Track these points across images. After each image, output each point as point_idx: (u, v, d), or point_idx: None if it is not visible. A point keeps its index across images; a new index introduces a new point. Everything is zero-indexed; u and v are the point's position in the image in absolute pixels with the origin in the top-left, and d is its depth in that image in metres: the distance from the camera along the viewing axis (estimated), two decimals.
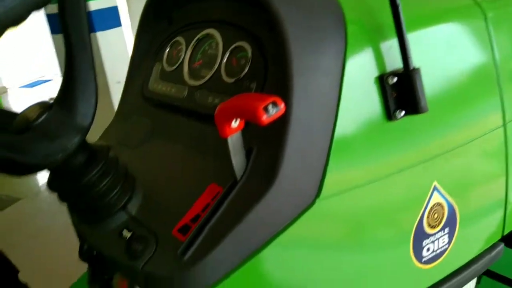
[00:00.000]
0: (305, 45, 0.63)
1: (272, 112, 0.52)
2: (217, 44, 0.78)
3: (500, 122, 0.85)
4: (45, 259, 2.39)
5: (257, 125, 0.55)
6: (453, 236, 0.81)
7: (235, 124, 0.58)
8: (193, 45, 0.83)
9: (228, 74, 0.74)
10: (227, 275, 0.60)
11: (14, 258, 1.28)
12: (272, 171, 0.60)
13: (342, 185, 0.66)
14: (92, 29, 3.10)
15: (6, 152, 0.55)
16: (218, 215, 0.61)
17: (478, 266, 0.88)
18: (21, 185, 3.48)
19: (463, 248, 0.85)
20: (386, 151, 0.70)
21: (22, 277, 1.31)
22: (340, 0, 0.69)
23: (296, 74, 0.62)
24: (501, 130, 0.85)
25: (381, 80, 0.68)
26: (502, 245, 0.94)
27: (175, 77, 0.84)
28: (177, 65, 0.85)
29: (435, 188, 0.76)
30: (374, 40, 0.69)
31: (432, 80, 0.73)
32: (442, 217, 0.78)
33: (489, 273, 1.36)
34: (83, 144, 0.63)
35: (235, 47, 0.74)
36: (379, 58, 0.68)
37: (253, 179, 0.62)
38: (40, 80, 6.87)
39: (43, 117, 0.59)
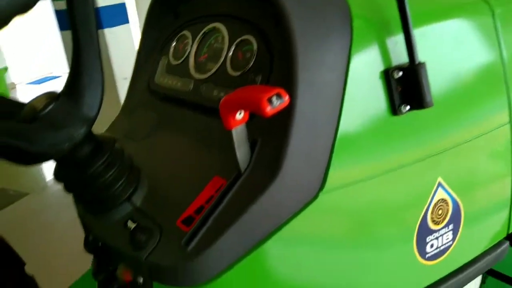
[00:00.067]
0: (310, 39, 0.63)
1: (276, 103, 0.52)
2: (223, 37, 0.79)
3: (506, 119, 0.85)
4: (51, 253, 2.41)
5: (262, 117, 0.55)
6: (457, 233, 0.81)
7: (239, 116, 0.59)
8: (199, 39, 0.83)
9: (234, 67, 0.74)
10: (230, 266, 0.60)
11: (21, 251, 1.29)
12: (276, 164, 0.61)
13: (345, 179, 0.66)
14: (100, 26, 3.11)
15: (14, 140, 0.56)
16: (222, 206, 0.61)
17: (483, 264, 0.88)
18: (28, 180, 3.50)
19: (467, 245, 0.85)
20: (390, 146, 0.70)
21: (28, 269, 1.32)
22: None
23: (301, 67, 0.62)
24: (507, 127, 0.85)
25: (387, 74, 0.68)
26: (507, 244, 0.93)
27: (181, 70, 0.84)
28: (183, 58, 0.85)
29: (439, 184, 0.75)
30: (379, 35, 0.69)
31: (438, 76, 0.73)
32: (447, 213, 0.78)
33: (494, 274, 1.36)
34: (89, 135, 0.64)
35: (241, 41, 0.75)
36: (384, 52, 0.68)
37: (257, 171, 0.62)
38: (48, 77, 6.92)
39: (50, 107, 0.60)
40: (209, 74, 0.78)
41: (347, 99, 0.65)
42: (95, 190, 0.67)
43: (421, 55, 0.68)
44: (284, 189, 0.61)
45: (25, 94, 6.25)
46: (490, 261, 0.90)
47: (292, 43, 0.62)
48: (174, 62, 0.87)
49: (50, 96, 0.62)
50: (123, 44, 3.29)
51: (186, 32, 0.87)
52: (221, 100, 0.58)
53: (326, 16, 0.66)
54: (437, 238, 0.78)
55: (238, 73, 0.73)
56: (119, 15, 3.29)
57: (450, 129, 0.77)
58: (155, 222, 0.66)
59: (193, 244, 0.60)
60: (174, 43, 0.89)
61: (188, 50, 0.85)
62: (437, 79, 0.72)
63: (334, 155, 0.64)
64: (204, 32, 0.83)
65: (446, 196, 0.77)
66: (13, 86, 6.51)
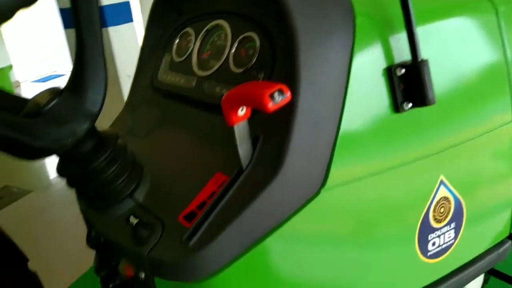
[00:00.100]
0: (313, 36, 0.63)
1: (278, 99, 0.53)
2: (226, 35, 0.79)
3: (509, 118, 0.84)
4: (53, 250, 2.42)
5: (264, 113, 0.55)
6: (459, 231, 0.81)
7: (241, 112, 0.59)
8: (202, 36, 0.84)
9: (236, 64, 0.74)
10: (231, 261, 0.60)
11: (24, 248, 1.30)
12: (278, 160, 0.61)
13: (347, 176, 0.66)
14: (104, 24, 3.12)
15: (17, 134, 0.56)
16: (224, 202, 0.61)
17: (485, 263, 0.88)
18: (32, 178, 3.52)
19: (469, 244, 0.85)
20: (392, 143, 0.70)
21: (31, 266, 1.32)
22: None
23: (304, 64, 0.62)
24: (510, 125, 0.84)
25: (389, 72, 0.68)
26: (509, 243, 0.93)
27: (184, 67, 0.85)
28: (186, 56, 0.85)
29: (441, 182, 0.75)
30: (382, 32, 0.69)
31: (441, 74, 0.73)
32: (449, 211, 0.78)
33: (497, 274, 1.35)
34: (92, 131, 0.64)
35: (244, 38, 0.75)
36: (387, 50, 0.68)
37: (259, 168, 0.62)
38: (52, 75, 6.94)
39: (53, 102, 0.60)
40: (211, 71, 0.78)
41: (349, 96, 0.65)
42: (98, 185, 0.67)
43: (424, 53, 0.68)
44: (286, 185, 0.61)
45: (29, 92, 6.28)
46: (492, 260, 0.89)
47: (295, 40, 0.62)
48: (177, 59, 0.87)
49: (54, 92, 0.62)
50: (127, 42, 3.30)
51: (189, 29, 0.88)
52: (223, 96, 0.58)
53: (329, 14, 0.66)
54: (439, 236, 0.78)
55: (240, 70, 0.73)
56: (123, 14, 3.30)
57: (453, 127, 0.77)
58: (157, 218, 0.66)
59: (194, 239, 0.60)
60: (177, 40, 0.89)
61: (191, 47, 0.85)
62: (440, 77, 0.72)
63: (336, 151, 0.64)
64: (207, 29, 0.83)
65: (448, 194, 0.77)
66: (17, 84, 6.54)
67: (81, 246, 0.86)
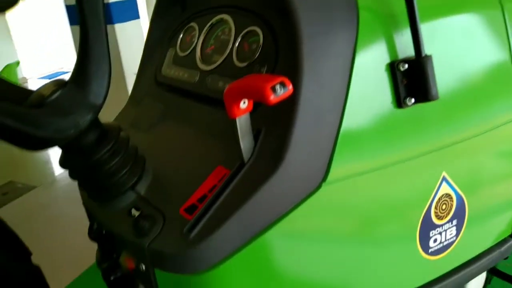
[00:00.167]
0: (316, 30, 0.63)
1: (280, 92, 0.53)
2: (229, 29, 0.79)
3: None
4: (57, 246, 2.43)
5: (266, 107, 0.55)
6: (461, 228, 0.81)
7: (243, 105, 0.59)
8: (206, 30, 0.84)
9: (240, 58, 0.74)
10: (231, 254, 0.60)
11: (28, 243, 1.31)
12: (280, 153, 0.61)
13: (349, 170, 0.66)
14: (111, 21, 3.13)
15: (20, 124, 0.56)
16: (225, 195, 0.62)
17: (487, 261, 0.88)
18: (37, 173, 3.54)
19: (471, 241, 0.84)
20: (395, 139, 0.70)
21: (34, 261, 1.33)
22: None
23: (307, 58, 0.62)
24: None
25: (392, 67, 0.67)
26: None
27: (187, 62, 0.85)
28: (189, 50, 0.86)
29: (444, 179, 0.75)
30: (386, 27, 0.69)
31: (445, 70, 0.73)
32: (451, 208, 0.78)
33: (500, 274, 1.34)
34: (95, 122, 0.65)
35: (247, 32, 0.75)
36: (390, 45, 0.68)
37: (260, 161, 0.62)
38: (59, 72, 6.97)
39: (57, 93, 0.61)
40: (215, 65, 0.78)
41: (352, 90, 0.64)
42: (100, 177, 0.67)
43: (429, 49, 0.68)
44: (287, 179, 0.61)
45: (36, 88, 6.30)
46: (495, 258, 0.89)
47: (298, 34, 0.62)
48: (181, 54, 0.88)
49: (58, 84, 0.63)
50: (133, 40, 3.31)
51: (193, 24, 0.88)
52: (225, 89, 0.58)
53: (332, 8, 0.66)
54: (440, 233, 0.78)
55: (244, 64, 0.73)
56: (129, 11, 3.31)
57: (456, 124, 0.76)
58: (158, 210, 0.66)
59: (195, 231, 0.60)
60: (181, 35, 0.90)
61: (195, 42, 0.85)
62: (444, 73, 0.72)
63: (337, 146, 0.64)
64: (211, 23, 0.83)
65: (450, 191, 0.77)
66: (24, 80, 6.58)
67: (84, 243, 0.86)
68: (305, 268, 0.68)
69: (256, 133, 0.64)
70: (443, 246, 0.79)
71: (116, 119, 0.94)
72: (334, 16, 0.66)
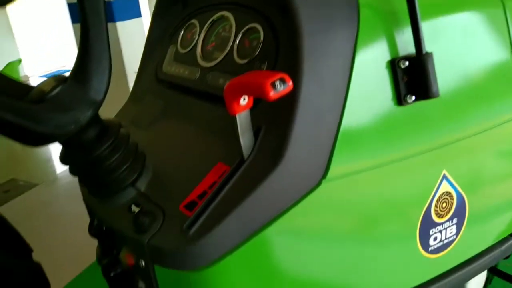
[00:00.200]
0: (316, 28, 0.63)
1: (279, 88, 0.53)
2: (230, 26, 0.79)
3: None
4: (58, 244, 2.43)
5: (266, 104, 0.55)
6: (461, 227, 0.81)
7: (243, 102, 0.59)
8: (207, 27, 0.84)
9: (240, 55, 0.74)
10: (231, 250, 0.60)
11: (29, 241, 1.31)
12: (280, 150, 0.61)
13: (349, 168, 0.66)
14: (112, 19, 3.13)
15: (21, 120, 0.57)
16: (224, 192, 0.62)
17: (487, 260, 0.87)
18: (39, 171, 3.54)
19: (472, 240, 0.84)
20: (395, 137, 0.70)
21: (35, 257, 1.33)
22: None
23: (307, 55, 0.62)
24: None
25: (393, 64, 0.67)
26: None
27: (188, 59, 0.85)
28: (190, 47, 0.86)
29: (444, 177, 0.75)
30: (387, 25, 0.68)
31: (446, 68, 0.72)
32: (451, 207, 0.78)
33: (501, 274, 1.34)
34: (95, 119, 0.65)
35: (248, 29, 0.75)
36: (391, 42, 0.68)
37: (260, 158, 0.62)
38: (60, 70, 6.98)
39: (57, 89, 0.61)
40: (215, 62, 0.78)
41: (352, 88, 0.64)
42: (100, 173, 0.67)
43: (430, 47, 0.68)
44: (287, 176, 0.61)
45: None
46: (495, 257, 0.89)
47: (298, 30, 0.62)
48: (182, 51, 0.88)
49: (58, 79, 0.63)
50: (135, 38, 3.31)
51: (194, 21, 0.88)
52: (226, 85, 0.58)
53: (333, 5, 0.66)
54: (440, 231, 0.78)
55: (244, 61, 0.73)
56: (131, 9, 3.31)
57: (457, 122, 0.76)
58: (158, 207, 0.66)
59: (194, 228, 0.60)
60: (182, 32, 0.90)
61: (196, 39, 0.85)
62: (445, 71, 0.72)
63: (337, 143, 0.64)
64: (212, 20, 0.83)
65: (450, 189, 0.76)
66: (26, 78, 6.59)
67: (85, 241, 0.86)
68: (304, 265, 0.68)
69: (256, 130, 0.64)
70: (443, 245, 0.79)
71: (117, 115, 0.95)
72: (335, 13, 0.66)
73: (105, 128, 0.67)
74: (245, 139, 0.63)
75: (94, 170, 0.67)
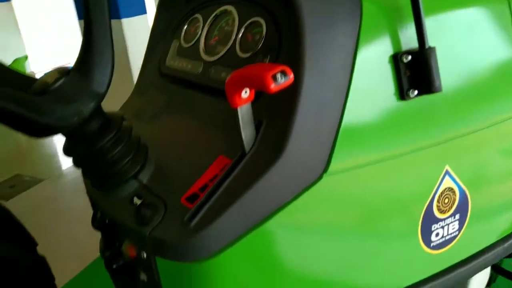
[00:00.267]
0: (319, 22, 0.63)
1: (280, 80, 0.53)
2: (233, 20, 0.79)
3: None
4: (62, 240, 2.45)
5: (268, 98, 0.55)
6: (464, 223, 0.80)
7: (245, 95, 0.59)
8: (210, 21, 0.84)
9: (243, 49, 0.74)
10: (231, 243, 0.61)
11: (34, 236, 1.32)
12: (281, 144, 0.61)
13: (350, 162, 0.66)
14: (118, 16, 3.14)
15: (24, 111, 0.57)
16: (225, 185, 0.62)
17: (490, 256, 0.87)
18: (44, 167, 3.56)
19: (474, 236, 0.84)
20: (397, 131, 0.70)
21: (40, 252, 1.34)
22: None
23: (309, 49, 0.62)
24: None
25: (395, 58, 0.67)
26: None
27: (191, 53, 0.85)
28: (194, 41, 0.86)
29: (447, 172, 0.75)
30: (390, 19, 0.68)
31: (450, 63, 0.72)
32: (453, 202, 0.77)
33: (504, 273, 1.34)
34: (98, 111, 0.65)
35: (251, 23, 0.75)
36: (394, 37, 0.68)
37: (261, 151, 0.63)
38: (67, 66, 7.02)
39: (60, 81, 0.61)
40: (218, 56, 0.78)
41: (354, 82, 0.64)
42: (103, 165, 0.68)
43: (434, 43, 0.68)
44: (288, 169, 0.61)
45: None
46: (498, 254, 0.88)
47: (300, 24, 0.62)
48: (185, 45, 0.88)
49: (61, 72, 0.63)
50: (140, 35, 3.31)
51: (197, 15, 0.88)
52: (227, 78, 0.58)
53: (336, 0, 0.66)
54: (442, 227, 0.77)
55: (247, 55, 0.73)
56: (137, 6, 3.31)
57: (460, 117, 0.76)
58: (160, 199, 0.67)
59: (195, 220, 0.60)
60: (185, 26, 0.90)
61: (199, 33, 0.85)
62: (449, 67, 0.71)
63: (339, 137, 0.64)
64: (215, 14, 0.83)
65: (453, 185, 0.76)
66: (32, 75, 6.62)
67: (89, 236, 0.86)
68: (305, 259, 0.68)
69: (257, 124, 0.64)
70: (445, 241, 0.79)
71: (121, 108, 0.95)
72: (337, 8, 0.66)
73: (107, 121, 0.67)
74: (247, 132, 0.63)
75: (96, 162, 0.68)
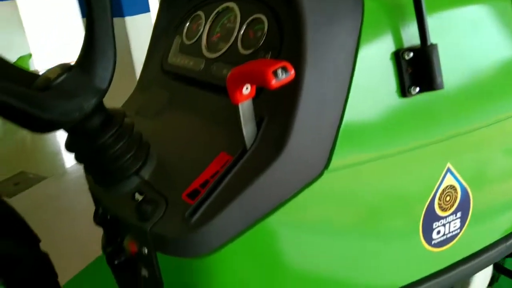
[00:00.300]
0: (321, 18, 0.63)
1: (281, 76, 0.53)
2: (235, 17, 0.79)
3: None
4: (66, 237, 2.46)
5: (269, 94, 0.55)
6: (465, 221, 0.80)
7: (246, 91, 0.59)
8: (212, 18, 0.84)
9: (244, 46, 0.74)
10: (232, 239, 0.61)
11: (37, 233, 1.33)
12: (282, 140, 0.61)
13: (351, 159, 0.66)
14: (121, 14, 3.14)
15: (26, 106, 0.57)
16: (226, 181, 0.62)
17: (492, 255, 0.87)
18: (48, 164, 3.58)
19: (476, 234, 0.84)
20: (399, 128, 0.69)
21: (42, 249, 1.35)
22: None
23: (311, 46, 0.62)
24: None
25: (397, 55, 0.67)
26: None
27: (193, 50, 0.85)
28: (196, 38, 0.86)
29: (448, 170, 0.74)
30: (391, 17, 0.68)
31: (452, 61, 0.72)
32: (455, 200, 0.77)
33: (507, 272, 1.33)
34: (100, 107, 0.65)
35: (252, 20, 0.75)
36: (396, 34, 0.68)
37: (262, 148, 0.63)
38: None
39: (62, 77, 0.62)
40: (220, 53, 0.78)
41: (356, 78, 0.64)
42: (105, 161, 0.68)
43: (436, 40, 0.67)
44: (289, 165, 0.61)
45: None
46: (501, 252, 0.88)
47: (302, 21, 0.62)
48: (187, 42, 0.88)
49: (64, 67, 0.63)
50: (143, 33, 3.31)
51: (200, 12, 0.88)
52: (228, 74, 0.58)
53: None
54: (444, 225, 0.77)
55: (248, 52, 0.73)
56: (140, 4, 3.32)
57: (462, 115, 0.76)
58: (161, 195, 0.67)
59: (196, 216, 0.61)
60: (188, 23, 0.90)
61: (201, 30, 0.85)
62: (450, 64, 0.71)
63: (340, 134, 0.64)
64: (217, 11, 0.83)
65: (455, 183, 0.76)
66: (36, 72, 6.65)
67: (92, 234, 0.87)
68: (306, 255, 0.68)
69: (259, 120, 0.64)
70: (447, 238, 0.79)
71: (124, 105, 0.95)
72: (339, 5, 0.65)
73: (109, 117, 0.68)
74: (248, 129, 0.63)
75: (98, 158, 0.68)
